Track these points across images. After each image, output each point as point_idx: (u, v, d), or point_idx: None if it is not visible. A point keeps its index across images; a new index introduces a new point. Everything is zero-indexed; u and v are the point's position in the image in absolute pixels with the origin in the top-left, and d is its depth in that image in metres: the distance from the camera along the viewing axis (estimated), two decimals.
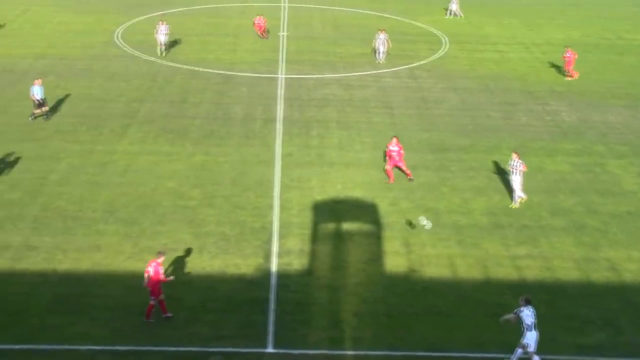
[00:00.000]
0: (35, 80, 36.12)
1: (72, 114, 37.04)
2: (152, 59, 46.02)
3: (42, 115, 35.94)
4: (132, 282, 23.36)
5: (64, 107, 37.89)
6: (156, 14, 56.72)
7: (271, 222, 27.58)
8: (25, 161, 31.71)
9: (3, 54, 46.24)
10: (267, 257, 25.43)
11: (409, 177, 31.10)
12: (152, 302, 21.86)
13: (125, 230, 26.70)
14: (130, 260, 24.86)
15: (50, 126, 35.47)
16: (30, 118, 35.82)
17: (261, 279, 24.21)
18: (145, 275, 21.82)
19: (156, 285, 21.81)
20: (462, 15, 60.47)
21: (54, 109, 37.32)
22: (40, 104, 35.79)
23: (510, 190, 29.70)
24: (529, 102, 41.43)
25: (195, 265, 24.79)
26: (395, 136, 31.69)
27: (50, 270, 24.20)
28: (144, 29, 52.23)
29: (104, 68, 44.34)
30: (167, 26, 47.16)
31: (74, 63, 45.07)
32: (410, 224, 27.74)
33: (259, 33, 51.71)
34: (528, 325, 19.88)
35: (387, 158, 31.40)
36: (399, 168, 31.24)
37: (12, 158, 31.84)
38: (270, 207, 28.72)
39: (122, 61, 45.79)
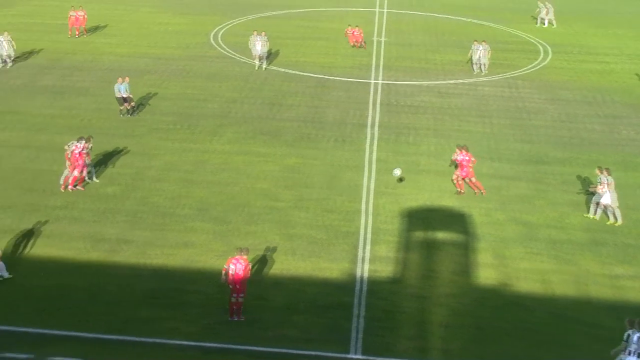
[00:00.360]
0: (119, 78, 37.02)
1: (169, 113, 37.78)
2: (247, 60, 46.54)
3: (127, 111, 36.90)
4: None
5: (162, 106, 38.68)
6: (252, 16, 57.49)
7: (361, 228, 27.48)
8: (125, 157, 32.51)
9: (110, 53, 47.61)
10: (356, 262, 25.33)
11: (479, 191, 30.49)
12: (240, 300, 22.04)
13: (216, 228, 27.04)
14: (221, 258, 25.03)
15: (149, 124, 36.26)
16: (120, 115, 36.75)
17: (349, 284, 24.12)
18: (225, 272, 21.88)
19: (244, 283, 21.98)
20: (554, 24, 58.85)
21: (153, 108, 38.20)
22: (126, 100, 36.68)
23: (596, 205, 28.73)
24: (634, 115, 40.14)
25: (284, 267, 24.89)
26: (463, 146, 31.05)
27: (143, 265, 24.71)
28: (241, 31, 52.96)
29: (201, 68, 45.11)
30: (266, 37, 44.83)
31: (172, 63, 46.02)
32: (400, 180, 29.63)
33: (352, 43, 50.79)
34: (632, 351, 18.88)
35: (458, 167, 30.71)
36: (467, 181, 30.62)
37: (113, 153, 32.69)
38: (360, 212, 28.61)
39: (218, 62, 46.51)
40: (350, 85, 43.11)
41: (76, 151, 29.02)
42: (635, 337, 18.90)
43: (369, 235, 26.98)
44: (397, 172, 30.70)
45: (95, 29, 52.70)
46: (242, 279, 21.85)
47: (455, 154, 30.73)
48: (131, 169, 31.40)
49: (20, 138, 34.13)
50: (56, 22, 53.25)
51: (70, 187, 29.19)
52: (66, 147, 29.49)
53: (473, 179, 30.54)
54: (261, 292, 23.12)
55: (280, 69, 45.29)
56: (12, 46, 43.53)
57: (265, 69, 44.57)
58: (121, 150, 33.04)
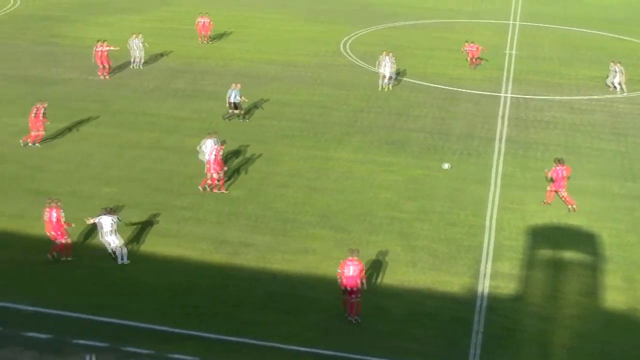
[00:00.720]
0: (233, 84, 37.53)
1: (296, 119, 38.14)
2: (376, 70, 46.43)
3: (234, 116, 37.46)
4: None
5: (289, 112, 39.09)
6: (382, 26, 57.44)
7: (484, 243, 26.84)
8: (251, 161, 33.01)
9: (240, 58, 48.60)
10: (477, 277, 24.74)
11: (570, 205, 29.28)
12: (357, 300, 21.97)
13: (337, 236, 27.01)
14: None
15: (275, 130, 36.72)
16: (225, 118, 37.41)
17: (469, 300, 23.58)
18: (340, 276, 21.93)
19: (359, 284, 21.88)
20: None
21: (280, 114, 38.66)
22: (235, 107, 37.16)
23: None
24: None
25: (405, 278, 24.58)
26: (560, 160, 29.79)
27: (263, 268, 24.94)
28: (370, 41, 53.04)
29: (329, 76, 45.37)
30: (393, 58, 43.06)
31: (301, 70, 46.49)
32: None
33: (468, 59, 48.27)
34: None
35: (553, 181, 29.48)
36: (560, 195, 29.42)
37: (240, 157, 33.28)
38: (484, 227, 27.96)
39: (347, 70, 46.66)
40: (479, 98, 42.33)
41: (213, 155, 29.60)
42: None
43: (491, 251, 26.32)
44: (446, 166, 32.53)
45: (226, 35, 53.90)
46: (357, 279, 21.82)
47: (552, 171, 29.65)
48: (257, 174, 31.84)
49: (150, 139, 35.21)
50: (188, 28, 54.80)
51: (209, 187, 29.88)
52: (199, 147, 30.48)
53: (564, 193, 29.42)
54: (380, 302, 22.93)
55: (408, 80, 44.97)
56: (144, 48, 45.05)
57: (390, 89, 43.55)
58: (248, 155, 33.58)
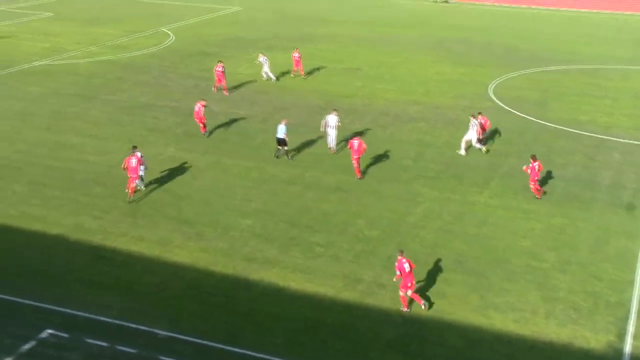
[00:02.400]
0: (283, 119, 37.45)
1: (436, 161, 37.63)
2: (522, 115, 45.36)
3: (282, 153, 37.23)
4: (473, 335, 22.87)
5: (429, 154, 38.64)
6: (532, 70, 56.14)
7: (632, 300, 25.33)
8: (388, 200, 32.76)
9: (383, 97, 48.64)
10: (622, 336, 23.32)
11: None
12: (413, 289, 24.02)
13: (473, 281, 26.25)
14: (474, 312, 24.32)
15: (414, 170, 36.36)
16: (275, 156, 37.29)
17: (612, 359, 22.24)
18: (399, 271, 24.22)
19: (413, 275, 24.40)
20: None
21: (419, 155, 38.28)
22: (280, 142, 36.92)
23: None
24: None
25: (541, 330, 23.50)
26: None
27: (395, 310, 24.50)
28: (518, 85, 51.93)
29: None
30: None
31: (444, 112, 45.98)
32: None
33: None
34: None
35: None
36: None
37: (379, 197, 33.11)
38: (631, 282, 26.42)
39: (492, 114, 45.56)
40: (632, 148, 40.40)
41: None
42: None
43: (638, 309, 24.82)
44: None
45: (370, 74, 54.12)
46: (412, 271, 24.36)
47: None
48: (393, 214, 31.54)
49: (288, 174, 35.61)
50: (338, 67, 55.49)
51: None
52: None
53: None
54: (515, 354, 22.03)
55: (553, 125, 43.60)
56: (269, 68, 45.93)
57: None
58: (385, 194, 33.36)
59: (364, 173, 35.41)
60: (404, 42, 66.24)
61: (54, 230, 29.48)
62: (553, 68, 57.84)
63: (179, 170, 35.56)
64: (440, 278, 26.49)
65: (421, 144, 40.06)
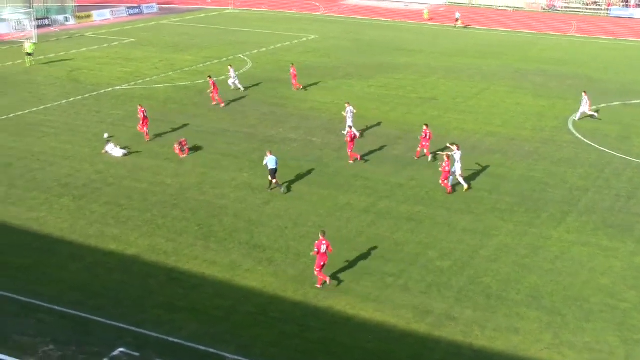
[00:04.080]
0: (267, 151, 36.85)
1: (511, 194, 37.00)
2: (603, 149, 44.32)
3: (274, 187, 36.55)
4: None
5: (504, 186, 38.01)
6: (615, 103, 54.92)
7: None
8: (460, 232, 32.31)
9: (458, 128, 48.24)
10: None
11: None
12: None
13: (547, 319, 25.58)
14: (547, 350, 23.68)
15: (488, 202, 35.81)
16: (267, 189, 36.63)
17: None
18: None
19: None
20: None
21: (494, 187, 37.72)
22: (271, 173, 36.30)
23: None
24: None
25: None
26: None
27: (465, 344, 24.04)
28: (602, 118, 50.83)
29: (551, 152, 43.79)
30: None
31: (521, 144, 45.27)
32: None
33: None
34: None
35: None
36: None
37: (450, 228, 32.72)
38: None
39: (571, 147, 44.83)
40: None
41: None
42: None
43: None
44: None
45: (447, 104, 53.78)
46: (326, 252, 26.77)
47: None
48: (465, 246, 31.08)
49: (363, 203, 35.48)
50: (413, 97, 55.31)
51: None
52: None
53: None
54: None
55: (637, 161, 42.44)
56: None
57: None
58: (457, 225, 32.94)
59: (437, 202, 35.10)
60: (481, 73, 65.75)
61: (129, 250, 29.93)
62: (636, 101, 56.51)
63: (253, 196, 35.79)
64: (513, 313, 25.90)
65: (496, 176, 39.48)
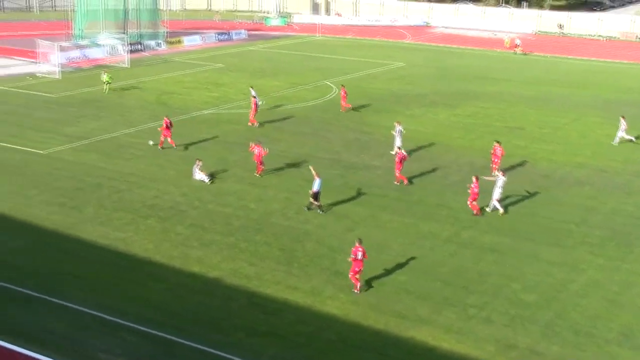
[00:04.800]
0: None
1: (601, 227, 35.92)
2: None
3: (315, 208, 36.60)
4: None
5: (594, 220, 36.96)
6: None
7: None
8: (546, 265, 31.50)
9: (545, 158, 47.24)
10: None
11: None
12: None
13: None
14: None
15: (577, 235, 34.86)
16: (304, 208, 36.69)
17: None
18: None
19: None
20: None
21: (583, 220, 36.71)
22: (314, 196, 36.32)
23: None
24: None
25: None
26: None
27: None
28: None
29: None
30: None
31: (612, 176, 44.00)
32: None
33: None
34: None
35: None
36: None
37: (535, 259, 31.96)
38: None
39: None
40: None
41: None
42: None
43: None
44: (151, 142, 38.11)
45: (533, 134, 52.78)
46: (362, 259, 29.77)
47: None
48: (552, 279, 30.26)
49: (445, 231, 35.00)
50: (500, 126, 54.60)
51: None
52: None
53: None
54: None
55: None
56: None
57: None
58: (543, 258, 32.15)
59: (522, 233, 34.35)
60: (571, 102, 64.45)
61: (212, 273, 30.16)
62: None
63: (335, 222, 35.70)
64: (603, 352, 25.02)
65: (586, 208, 38.42)
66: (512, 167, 44.82)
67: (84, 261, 30.93)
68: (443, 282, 29.85)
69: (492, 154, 42.97)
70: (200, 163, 41.08)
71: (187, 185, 40.30)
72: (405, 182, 41.10)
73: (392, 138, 46.50)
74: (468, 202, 37.15)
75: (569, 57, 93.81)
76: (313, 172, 36.81)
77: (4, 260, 30.68)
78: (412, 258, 31.99)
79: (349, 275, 28.76)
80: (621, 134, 50.65)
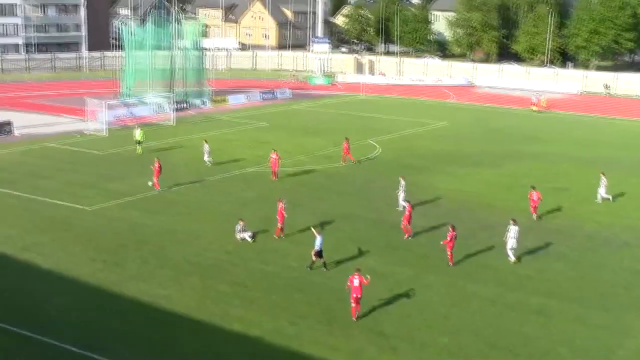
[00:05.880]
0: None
1: None
2: None
3: (320, 266, 36.58)
4: None
5: None
6: None
7: None
8: (594, 329, 30.89)
9: (592, 220, 46.46)
10: None
11: None
12: None
13: None
14: None
15: (625, 300, 34.18)
16: (306, 267, 36.67)
17: None
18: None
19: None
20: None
21: (632, 284, 35.90)
22: (317, 254, 36.27)
23: None
24: None
25: None
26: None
27: None
28: None
29: None
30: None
31: None
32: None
33: None
34: None
35: None
36: None
37: (582, 324, 31.28)
38: None
39: None
40: None
41: None
42: None
43: None
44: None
45: (580, 196, 52.07)
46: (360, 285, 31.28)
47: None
48: (600, 344, 29.64)
49: (489, 293, 34.49)
50: (545, 186, 54.00)
51: None
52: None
53: None
54: None
55: None
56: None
57: None
58: (593, 323, 31.48)
59: (569, 296, 33.66)
60: (620, 164, 63.58)
61: (253, 332, 29.99)
62: None
63: (377, 282, 35.32)
64: None
65: (635, 272, 37.60)
66: (559, 229, 44.22)
67: (127, 318, 31.01)
68: (488, 344, 29.29)
69: (530, 199, 45.92)
70: (243, 223, 41.17)
71: (229, 242, 40.39)
72: (410, 235, 41.88)
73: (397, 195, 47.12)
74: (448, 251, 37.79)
75: (615, 117, 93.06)
76: (314, 231, 37.37)
77: (48, 316, 30.90)
78: (456, 319, 31.49)
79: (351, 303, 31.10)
80: (601, 190, 50.93)
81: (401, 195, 46.62)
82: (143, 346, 28.48)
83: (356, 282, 30.82)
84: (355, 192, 51.66)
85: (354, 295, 30.90)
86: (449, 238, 37.53)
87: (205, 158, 58.25)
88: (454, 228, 37.84)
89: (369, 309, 32.27)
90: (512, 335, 30.12)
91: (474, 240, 41.28)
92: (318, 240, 36.32)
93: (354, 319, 30.82)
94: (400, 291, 34.36)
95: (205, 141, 59.76)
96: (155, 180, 50.20)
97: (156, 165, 50.41)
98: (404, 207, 42.82)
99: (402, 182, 47.38)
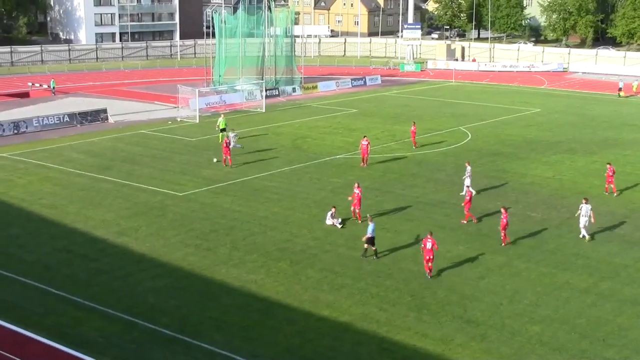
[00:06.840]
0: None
1: None
2: None
3: (371, 254, 36.52)
4: None
5: None
6: None
7: None
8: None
9: None
10: None
11: None
12: None
13: None
14: None
15: None
16: (361, 256, 36.56)
17: None
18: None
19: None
20: None
21: None
22: (369, 240, 36.27)
23: None
24: None
25: None
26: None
27: None
28: None
29: None
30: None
31: None
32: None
33: None
34: None
35: None
36: None
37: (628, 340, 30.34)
38: None
39: None
40: None
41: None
42: None
43: None
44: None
45: None
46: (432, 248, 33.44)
47: None
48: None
49: (583, 282, 33.75)
50: (637, 172, 52.52)
51: None
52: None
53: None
54: None
55: None
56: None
57: None
58: None
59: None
60: None
61: (342, 317, 30.17)
62: None
63: (467, 269, 35.11)
64: None
65: None
66: None
67: (218, 302, 31.59)
68: (580, 334, 28.70)
69: (608, 175, 47.34)
70: (334, 210, 41.36)
71: (319, 229, 40.67)
72: (475, 220, 41.68)
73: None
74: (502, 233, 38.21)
75: None
76: (368, 217, 37.41)
77: (144, 300, 31.73)
78: (548, 308, 30.96)
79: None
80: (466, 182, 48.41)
81: (467, 180, 46.20)
82: (235, 331, 28.97)
83: (429, 244, 33.39)
84: (446, 179, 51.21)
85: (427, 257, 33.54)
86: (504, 220, 37.95)
87: (232, 144, 56.42)
88: (506, 210, 38.59)
89: (459, 295, 32.05)
90: (605, 325, 29.42)
91: (566, 229, 40.38)
92: (370, 227, 36.29)
93: (428, 277, 33.60)
94: (490, 278, 34.00)
95: (232, 130, 60.94)
96: (225, 156, 53.95)
97: (224, 143, 54.62)
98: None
99: (469, 168, 47.15)
